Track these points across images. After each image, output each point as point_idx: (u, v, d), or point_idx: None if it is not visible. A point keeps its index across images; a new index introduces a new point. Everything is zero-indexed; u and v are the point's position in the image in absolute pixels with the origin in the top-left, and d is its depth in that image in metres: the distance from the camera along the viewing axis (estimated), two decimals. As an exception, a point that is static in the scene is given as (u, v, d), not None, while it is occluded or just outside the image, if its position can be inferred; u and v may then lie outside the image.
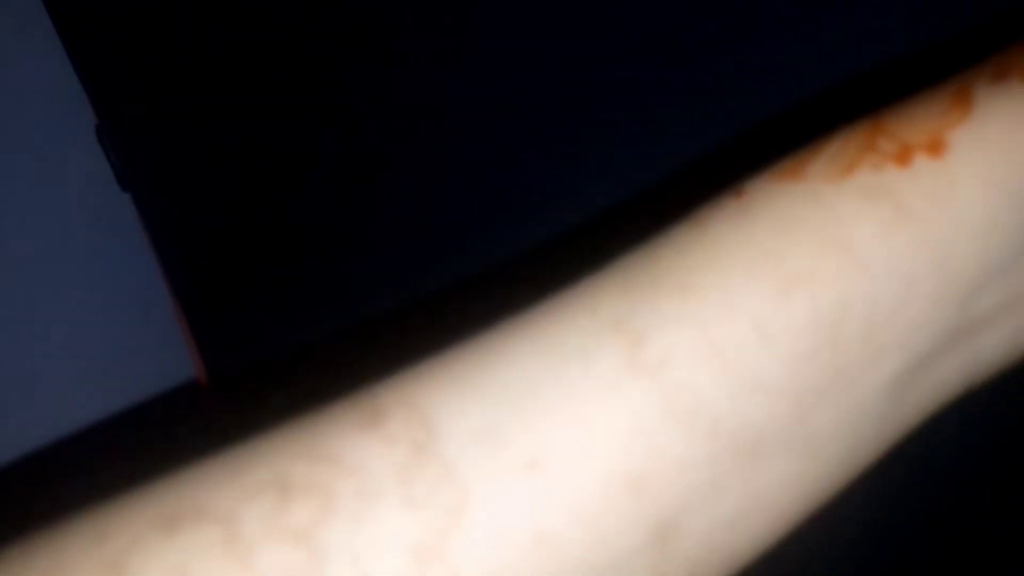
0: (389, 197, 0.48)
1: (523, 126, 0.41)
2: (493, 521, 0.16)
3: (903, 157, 0.17)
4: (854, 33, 0.31)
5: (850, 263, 0.17)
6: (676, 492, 0.17)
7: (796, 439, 0.17)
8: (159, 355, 0.71)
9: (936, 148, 0.17)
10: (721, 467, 0.17)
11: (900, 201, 0.17)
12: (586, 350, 0.17)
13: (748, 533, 0.18)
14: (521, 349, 0.18)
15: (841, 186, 0.17)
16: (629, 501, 0.17)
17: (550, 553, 0.16)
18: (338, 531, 0.16)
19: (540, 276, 0.20)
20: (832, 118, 0.19)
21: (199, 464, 0.18)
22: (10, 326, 0.67)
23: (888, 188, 0.17)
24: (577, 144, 0.39)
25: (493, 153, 0.42)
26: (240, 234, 0.56)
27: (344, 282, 0.52)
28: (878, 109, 0.19)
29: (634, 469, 0.17)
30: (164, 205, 0.62)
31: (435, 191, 0.46)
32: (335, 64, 0.47)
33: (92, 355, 0.71)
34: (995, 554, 0.38)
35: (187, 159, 0.57)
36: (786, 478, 0.18)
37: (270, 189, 0.53)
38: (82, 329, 0.71)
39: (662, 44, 0.35)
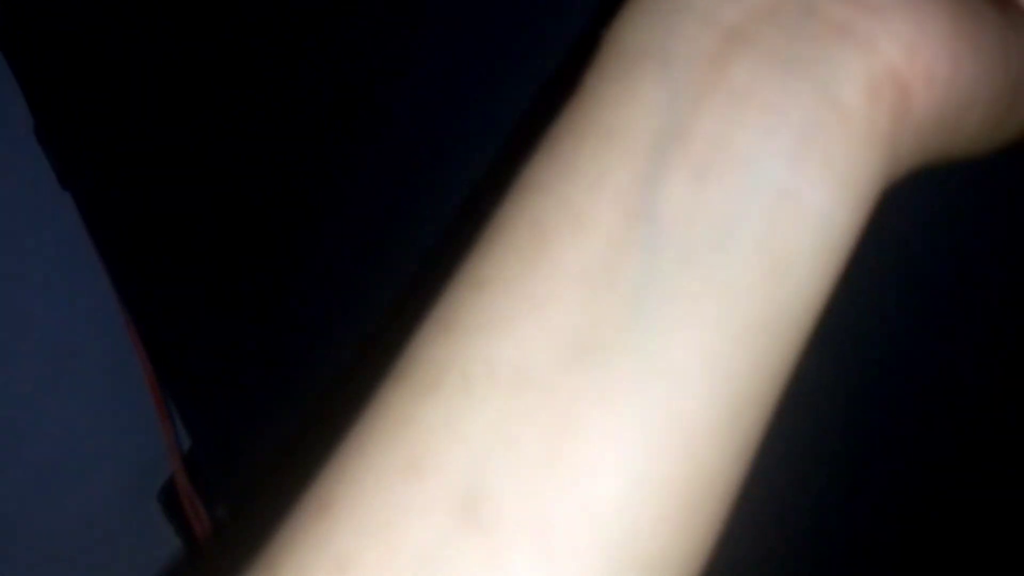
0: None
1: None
2: None
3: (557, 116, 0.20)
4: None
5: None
6: None
7: None
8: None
9: (574, 93, 0.20)
10: None
11: (555, 135, 0.20)
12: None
13: None
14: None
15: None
16: None
17: None
18: None
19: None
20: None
21: None
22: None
23: (547, 135, 0.20)
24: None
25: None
26: (186, 237, 0.56)
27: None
28: None
29: None
30: (105, 204, 0.61)
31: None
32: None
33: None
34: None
35: (128, 158, 0.57)
36: None
37: (212, 187, 0.53)
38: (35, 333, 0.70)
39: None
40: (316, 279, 0.50)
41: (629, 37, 0.20)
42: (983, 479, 0.38)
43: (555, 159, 0.19)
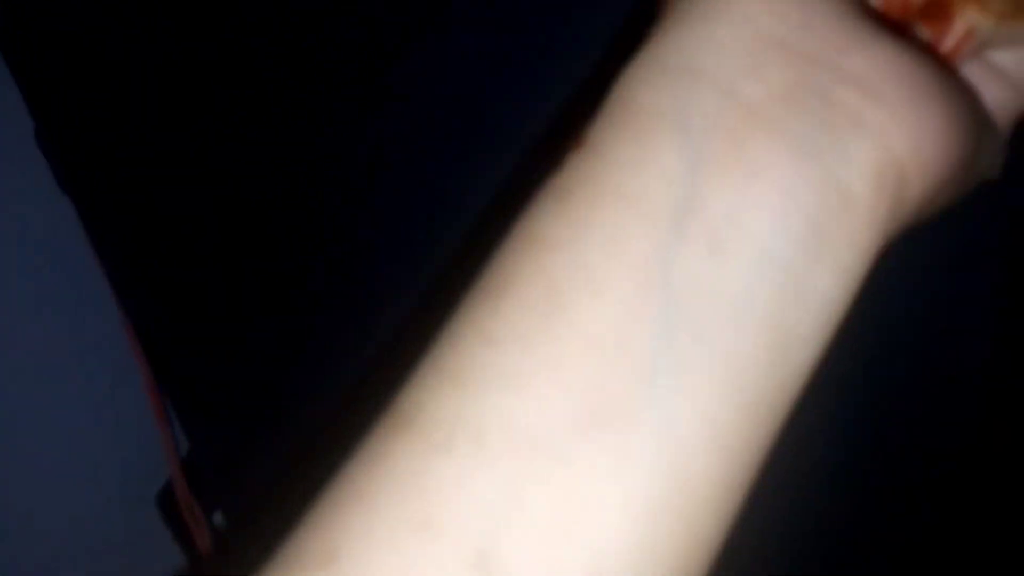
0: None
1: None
2: None
3: (561, 164, 0.20)
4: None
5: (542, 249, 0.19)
6: None
7: None
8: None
9: (579, 144, 0.20)
10: None
11: (565, 189, 0.20)
12: None
13: None
14: None
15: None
16: None
17: None
18: None
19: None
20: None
21: None
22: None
23: (555, 186, 0.20)
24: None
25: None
26: (186, 242, 0.55)
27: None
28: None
29: None
30: (105, 208, 0.61)
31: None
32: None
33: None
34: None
35: (128, 162, 0.56)
36: None
37: (209, 195, 0.52)
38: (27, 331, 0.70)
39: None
40: (318, 286, 0.50)
41: (644, 96, 0.20)
42: (983, 479, 0.38)
43: (568, 215, 0.19)
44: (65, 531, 0.74)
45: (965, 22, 0.22)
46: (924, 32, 0.23)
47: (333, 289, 0.50)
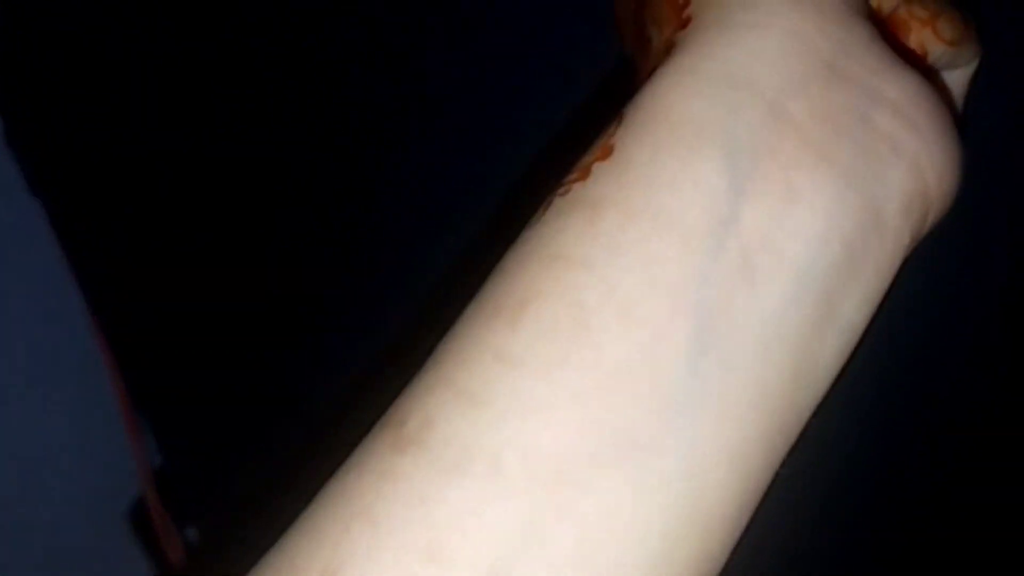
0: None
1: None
2: None
3: (584, 173, 0.19)
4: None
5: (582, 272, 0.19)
6: None
7: None
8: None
9: (606, 152, 0.19)
10: None
11: (592, 203, 0.19)
12: None
13: None
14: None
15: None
16: None
17: None
18: None
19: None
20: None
21: None
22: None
23: (579, 198, 0.19)
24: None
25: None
26: (158, 248, 0.54)
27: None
28: None
29: None
30: (76, 213, 0.60)
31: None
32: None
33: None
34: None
35: (100, 167, 0.55)
36: None
37: (179, 198, 0.51)
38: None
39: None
40: (297, 295, 0.49)
41: (684, 106, 0.19)
42: (984, 479, 0.38)
43: (597, 234, 0.19)
44: (35, 545, 0.73)
45: (920, 42, 0.23)
46: None
47: (315, 299, 0.48)
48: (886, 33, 0.22)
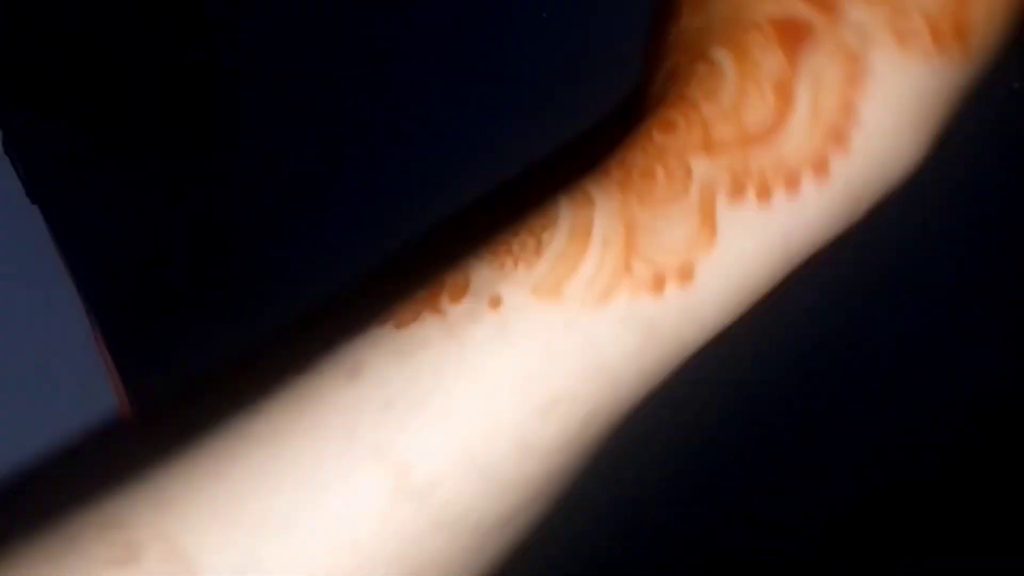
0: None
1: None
2: None
3: (656, 286, 0.19)
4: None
5: (606, 381, 0.19)
6: None
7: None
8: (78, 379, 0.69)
9: (686, 276, 0.19)
10: (480, 556, 0.19)
11: (652, 327, 0.19)
12: (347, 481, 0.18)
13: None
14: (278, 476, 0.18)
15: (599, 314, 0.19)
16: None
17: None
18: None
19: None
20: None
21: None
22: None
23: (642, 316, 0.19)
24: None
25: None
26: (152, 245, 0.55)
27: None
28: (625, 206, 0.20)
29: None
30: (74, 218, 0.60)
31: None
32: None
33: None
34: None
35: (98, 172, 0.56)
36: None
37: (174, 200, 0.52)
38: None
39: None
40: (295, 295, 0.49)
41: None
42: (983, 479, 0.38)
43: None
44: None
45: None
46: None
47: (312, 299, 0.49)
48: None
